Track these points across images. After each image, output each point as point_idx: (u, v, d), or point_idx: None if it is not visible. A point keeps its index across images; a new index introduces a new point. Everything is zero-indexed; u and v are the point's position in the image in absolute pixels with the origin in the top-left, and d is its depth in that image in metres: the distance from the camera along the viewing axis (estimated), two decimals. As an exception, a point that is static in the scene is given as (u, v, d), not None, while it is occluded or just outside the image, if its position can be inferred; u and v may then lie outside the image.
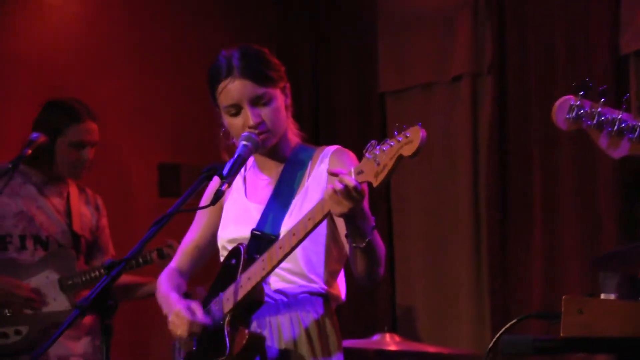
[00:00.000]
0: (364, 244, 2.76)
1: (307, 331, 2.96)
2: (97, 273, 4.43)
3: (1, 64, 5.28)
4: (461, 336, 5.34)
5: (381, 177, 2.57)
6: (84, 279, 4.44)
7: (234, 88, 3.00)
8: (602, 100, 2.46)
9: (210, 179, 2.91)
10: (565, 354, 2.62)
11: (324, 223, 2.91)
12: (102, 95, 5.47)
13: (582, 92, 2.46)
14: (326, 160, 3.04)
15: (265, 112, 3.00)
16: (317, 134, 5.88)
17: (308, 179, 3.04)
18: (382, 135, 5.80)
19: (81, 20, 5.59)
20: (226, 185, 2.84)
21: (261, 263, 2.85)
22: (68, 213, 4.55)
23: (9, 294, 4.37)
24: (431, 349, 4.75)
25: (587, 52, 4.94)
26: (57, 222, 4.50)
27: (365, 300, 5.55)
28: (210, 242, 3.20)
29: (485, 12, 5.38)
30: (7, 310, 4.39)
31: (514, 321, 2.68)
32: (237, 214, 3.11)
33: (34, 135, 4.21)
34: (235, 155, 2.94)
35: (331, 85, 6.07)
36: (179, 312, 2.96)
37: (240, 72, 3.00)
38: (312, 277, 2.99)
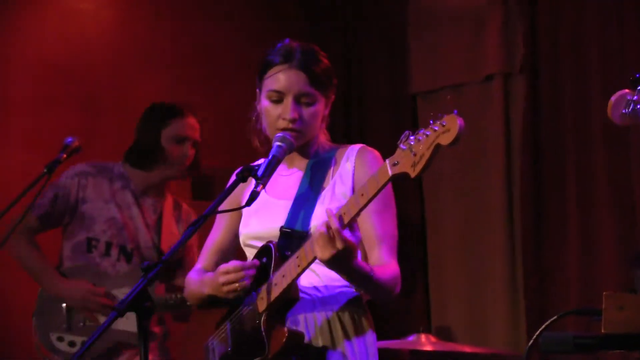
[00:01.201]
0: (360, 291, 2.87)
1: (344, 327, 2.95)
2: (176, 296, 4.41)
3: (34, 68, 5.31)
4: (496, 336, 5.32)
5: (419, 167, 2.51)
6: (162, 301, 4.42)
7: (286, 76, 2.99)
8: None
9: (245, 180, 2.90)
10: (606, 351, 2.59)
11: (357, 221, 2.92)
12: (135, 98, 5.48)
13: (639, 87, 2.43)
14: (352, 159, 3.03)
15: (305, 112, 3.00)
16: (348, 136, 5.87)
17: (333, 176, 3.03)
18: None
19: (113, 25, 5.61)
20: (261, 186, 2.83)
21: (295, 260, 2.82)
22: (158, 230, 4.57)
23: (86, 300, 4.40)
24: (467, 349, 4.73)
25: (620, 51, 4.90)
26: (144, 237, 4.52)
27: (400, 301, 5.53)
28: (233, 243, 3.21)
29: (516, 11, 5.36)
30: (81, 321, 4.42)
31: (554, 318, 2.66)
32: (259, 210, 3.07)
33: (69, 139, 4.23)
34: (270, 156, 2.93)
35: (362, 87, 6.07)
36: (225, 269, 2.94)
37: (300, 64, 2.99)
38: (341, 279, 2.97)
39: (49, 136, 4.92)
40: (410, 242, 5.64)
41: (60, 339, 4.42)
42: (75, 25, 5.51)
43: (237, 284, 2.91)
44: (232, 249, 3.22)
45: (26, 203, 4.03)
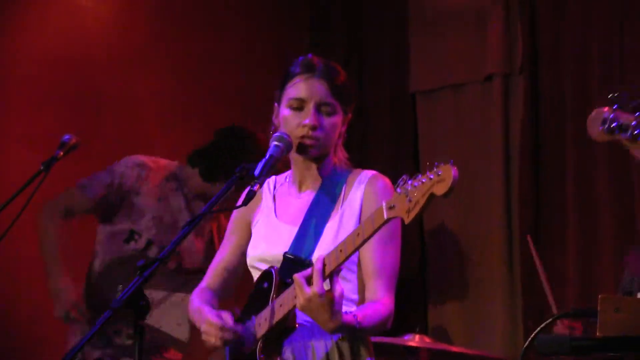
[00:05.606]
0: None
1: (342, 355, 2.94)
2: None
3: (33, 65, 5.30)
4: (494, 337, 5.31)
5: (412, 214, 2.54)
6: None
7: (308, 85, 3.00)
8: (638, 114, 2.45)
9: (242, 179, 2.88)
10: (602, 353, 2.59)
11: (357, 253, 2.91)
12: (135, 95, 5.48)
13: (615, 106, 2.46)
14: (362, 187, 3.01)
15: (325, 121, 2.99)
16: (348, 135, 5.86)
17: (343, 203, 3.01)
18: (413, 135, 5.83)
19: (112, 21, 5.60)
20: (257, 185, 2.83)
21: (293, 291, 2.79)
22: (211, 238, 4.57)
23: (68, 311, 4.35)
24: (454, 349, 4.73)
25: (621, 52, 4.89)
26: (192, 245, 4.50)
27: (398, 302, 5.52)
28: (240, 263, 3.18)
29: (517, 11, 5.35)
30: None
31: (549, 320, 2.66)
32: (267, 233, 3.07)
33: (66, 136, 4.20)
34: (267, 156, 2.92)
35: (362, 86, 6.06)
36: (209, 320, 2.93)
37: (322, 74, 3.01)
38: (347, 302, 2.93)
39: (49, 134, 4.90)
40: (408, 243, 5.63)
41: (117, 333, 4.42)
42: (75, 22, 5.49)
43: (212, 339, 2.93)
44: (239, 269, 3.20)
45: (23, 201, 4.00)
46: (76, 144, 4.21)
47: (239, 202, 3.15)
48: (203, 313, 3.01)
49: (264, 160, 2.90)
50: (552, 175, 5.16)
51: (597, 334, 2.47)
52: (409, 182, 2.55)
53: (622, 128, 2.45)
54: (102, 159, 4.69)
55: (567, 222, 5.04)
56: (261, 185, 2.86)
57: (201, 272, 4.40)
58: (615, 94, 2.49)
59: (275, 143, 2.95)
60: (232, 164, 4.47)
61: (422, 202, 2.51)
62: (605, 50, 4.97)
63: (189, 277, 4.43)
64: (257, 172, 2.85)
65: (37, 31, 5.36)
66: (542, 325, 2.62)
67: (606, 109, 2.49)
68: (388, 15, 6.00)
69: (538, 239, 5.14)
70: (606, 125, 2.47)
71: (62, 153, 4.17)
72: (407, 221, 2.55)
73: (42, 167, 4.07)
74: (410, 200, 2.53)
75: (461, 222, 5.60)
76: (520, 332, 5.19)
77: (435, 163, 2.52)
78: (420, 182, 2.52)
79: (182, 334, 4.39)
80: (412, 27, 5.90)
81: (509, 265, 5.31)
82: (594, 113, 2.51)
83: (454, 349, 4.74)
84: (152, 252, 4.45)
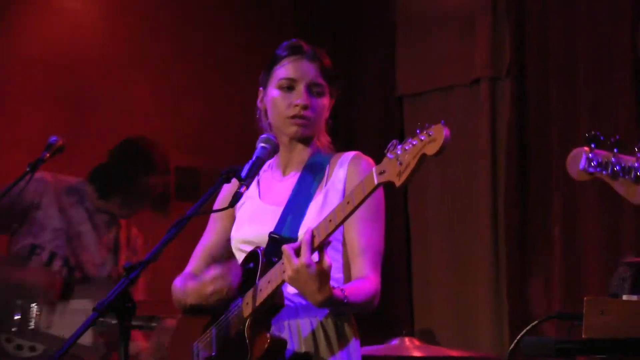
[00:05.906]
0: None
1: (327, 335, 2.94)
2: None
3: (23, 67, 5.30)
4: (480, 339, 5.32)
5: (404, 176, 2.48)
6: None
7: (299, 66, 3.01)
8: (616, 150, 2.45)
9: (228, 181, 2.88)
10: (587, 355, 2.59)
11: (340, 230, 2.91)
12: (120, 98, 5.47)
13: (593, 145, 2.47)
14: (345, 166, 3.01)
15: (315, 102, 3.01)
16: (335, 138, 5.86)
17: (326, 183, 3.01)
18: (401, 139, 5.81)
19: (101, 24, 5.60)
20: (244, 187, 2.82)
21: (281, 266, 2.78)
22: (115, 249, 4.56)
23: (49, 292, 4.35)
24: (452, 352, 4.71)
25: (609, 57, 4.90)
26: (94, 254, 4.49)
27: (384, 304, 5.51)
28: (224, 247, 3.17)
29: (504, 16, 5.36)
30: (30, 323, 4.37)
31: (535, 322, 2.66)
32: (251, 215, 3.07)
33: (53, 138, 4.19)
34: (254, 157, 2.92)
35: (349, 89, 6.06)
36: (211, 276, 2.93)
37: (311, 56, 3.03)
38: (332, 281, 2.95)
39: (36, 135, 4.89)
40: (395, 245, 5.64)
41: (8, 340, 4.37)
42: (63, 24, 5.49)
43: (224, 290, 2.92)
44: (223, 253, 3.19)
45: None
46: (62, 146, 4.20)
47: (217, 200, 3.16)
48: (194, 281, 3.01)
49: (250, 161, 2.89)
50: (538, 177, 5.17)
51: (583, 336, 2.47)
52: (399, 146, 2.50)
53: (602, 166, 2.46)
54: (100, 159, 4.69)
55: (553, 224, 5.05)
56: (248, 187, 2.84)
57: (97, 280, 4.43)
58: (592, 133, 2.50)
59: (262, 145, 2.95)
60: (125, 184, 4.50)
61: (413, 164, 2.46)
62: (593, 53, 4.98)
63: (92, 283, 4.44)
64: (243, 173, 2.84)
65: (23, 33, 5.36)
66: (528, 327, 2.63)
67: (584, 148, 2.51)
68: (376, 18, 6.01)
69: (524, 240, 5.15)
70: (586, 164, 2.49)
71: (48, 155, 4.16)
72: (398, 184, 2.50)
73: (28, 169, 4.08)
74: (401, 164, 2.48)
75: (447, 223, 5.61)
76: (506, 334, 5.19)
77: (426, 124, 2.45)
78: (410, 145, 2.47)
79: (85, 339, 4.35)
80: (400, 30, 5.91)
81: (495, 267, 5.32)
82: (572, 154, 2.52)
83: (450, 352, 4.72)
84: (56, 264, 4.44)
